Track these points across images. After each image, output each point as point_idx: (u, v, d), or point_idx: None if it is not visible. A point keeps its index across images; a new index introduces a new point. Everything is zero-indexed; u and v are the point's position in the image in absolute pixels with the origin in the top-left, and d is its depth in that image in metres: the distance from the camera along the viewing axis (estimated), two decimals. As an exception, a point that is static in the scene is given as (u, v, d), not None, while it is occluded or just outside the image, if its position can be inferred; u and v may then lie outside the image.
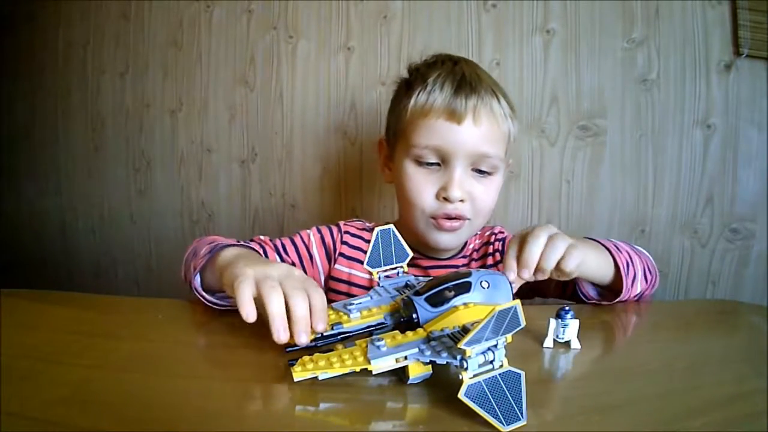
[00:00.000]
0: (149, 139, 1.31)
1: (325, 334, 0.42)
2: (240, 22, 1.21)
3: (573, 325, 0.45)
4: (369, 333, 0.42)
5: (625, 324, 0.57)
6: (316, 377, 0.37)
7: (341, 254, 0.77)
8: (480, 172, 0.68)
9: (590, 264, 0.58)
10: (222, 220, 1.28)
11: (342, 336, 0.42)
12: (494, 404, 0.31)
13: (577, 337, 0.45)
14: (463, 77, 0.67)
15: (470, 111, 0.65)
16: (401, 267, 0.49)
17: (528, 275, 0.50)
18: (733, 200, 1.02)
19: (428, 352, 0.36)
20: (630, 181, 1.05)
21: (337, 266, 0.77)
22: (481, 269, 0.44)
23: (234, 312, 0.57)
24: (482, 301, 0.41)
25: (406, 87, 0.72)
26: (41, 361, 0.41)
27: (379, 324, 0.44)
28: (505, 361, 0.33)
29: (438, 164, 0.68)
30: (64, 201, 1.41)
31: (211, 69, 1.24)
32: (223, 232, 1.27)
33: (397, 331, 0.40)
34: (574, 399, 0.37)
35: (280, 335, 0.40)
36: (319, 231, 0.78)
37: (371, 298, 0.47)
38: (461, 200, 0.67)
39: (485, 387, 0.32)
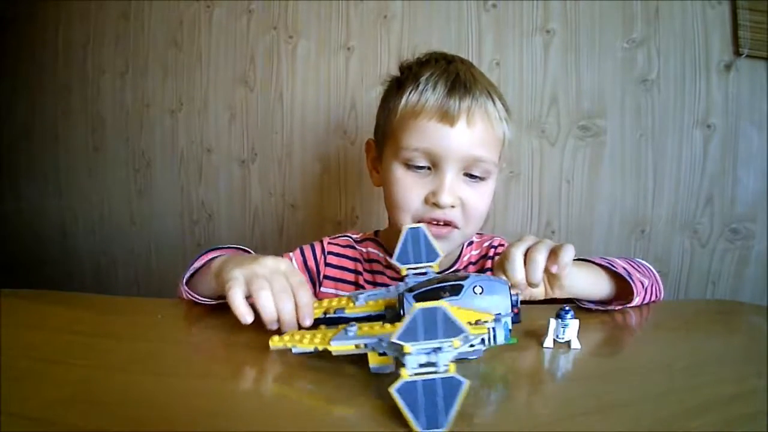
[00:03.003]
0: (149, 139, 1.31)
1: (327, 317, 0.45)
2: (240, 22, 1.21)
3: (573, 325, 0.45)
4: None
5: (625, 324, 0.57)
6: (289, 349, 0.41)
7: (326, 276, 0.75)
8: (472, 176, 0.64)
9: (580, 283, 0.56)
10: (222, 220, 1.28)
11: (342, 321, 0.44)
12: (421, 406, 0.30)
13: (577, 337, 0.45)
14: (457, 77, 0.64)
15: (464, 112, 0.61)
16: (430, 267, 0.47)
17: (523, 291, 0.48)
18: (733, 200, 1.02)
19: (385, 344, 0.36)
20: (630, 181, 1.05)
21: (323, 289, 0.75)
22: (483, 275, 0.44)
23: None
24: (471, 306, 0.40)
25: (397, 86, 0.69)
26: (41, 361, 0.41)
27: (378, 315, 0.44)
28: (452, 367, 0.32)
29: (428, 168, 0.64)
30: (64, 201, 1.41)
31: (211, 69, 1.24)
32: (223, 232, 1.27)
33: (380, 322, 0.41)
34: (574, 399, 0.37)
35: (272, 327, 0.46)
36: (302, 253, 0.76)
37: (388, 290, 0.47)
38: (452, 206, 0.63)
39: (420, 387, 0.31)
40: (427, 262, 0.47)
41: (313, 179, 1.20)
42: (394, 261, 0.48)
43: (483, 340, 0.37)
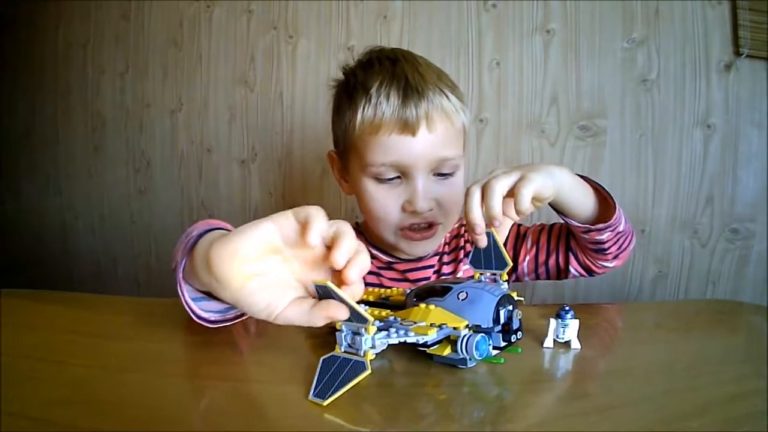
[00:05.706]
0: (149, 139, 1.31)
1: (371, 300, 0.49)
2: (240, 22, 1.21)
3: (573, 325, 0.45)
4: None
5: (625, 324, 0.57)
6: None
7: None
8: (442, 174, 0.65)
9: (566, 185, 0.57)
10: (222, 220, 1.27)
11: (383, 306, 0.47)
12: (326, 377, 0.34)
13: (577, 337, 0.45)
14: (407, 82, 0.62)
15: (423, 119, 0.61)
16: (498, 275, 0.47)
17: (480, 231, 0.47)
18: (733, 200, 1.02)
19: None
20: (630, 181, 1.05)
21: None
22: (479, 282, 0.44)
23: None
24: (450, 310, 0.41)
25: (347, 96, 0.67)
26: (41, 361, 0.41)
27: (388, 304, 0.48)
28: (369, 353, 0.34)
29: (398, 177, 0.64)
30: (64, 201, 1.41)
31: (211, 69, 1.24)
32: (223, 232, 1.27)
33: (389, 311, 0.43)
34: (573, 399, 0.37)
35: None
36: None
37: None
38: (429, 209, 0.64)
39: (338, 362, 0.34)
40: (496, 269, 0.47)
41: (313, 179, 1.20)
42: (469, 264, 0.49)
43: (459, 350, 0.37)
